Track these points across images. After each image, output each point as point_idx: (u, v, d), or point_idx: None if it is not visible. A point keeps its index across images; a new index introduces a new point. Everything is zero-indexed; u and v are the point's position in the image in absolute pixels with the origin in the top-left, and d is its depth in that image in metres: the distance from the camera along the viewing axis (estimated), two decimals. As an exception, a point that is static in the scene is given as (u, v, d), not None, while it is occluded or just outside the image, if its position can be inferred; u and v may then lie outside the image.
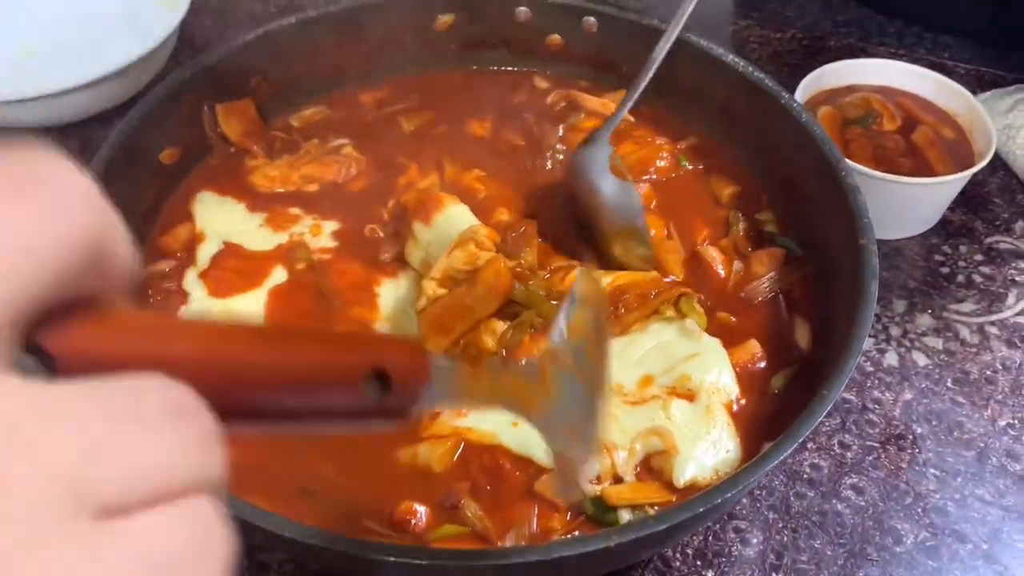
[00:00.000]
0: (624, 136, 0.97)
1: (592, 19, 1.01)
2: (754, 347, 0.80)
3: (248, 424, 0.31)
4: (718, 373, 0.76)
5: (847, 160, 0.84)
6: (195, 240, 0.88)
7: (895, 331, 0.92)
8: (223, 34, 1.13)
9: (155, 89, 0.89)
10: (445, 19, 1.03)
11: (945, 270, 0.98)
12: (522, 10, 1.03)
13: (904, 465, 0.81)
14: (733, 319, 0.82)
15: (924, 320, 0.93)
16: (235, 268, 0.84)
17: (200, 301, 0.82)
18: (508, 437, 0.73)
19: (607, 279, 0.83)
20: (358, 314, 0.82)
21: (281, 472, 0.69)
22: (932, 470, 0.81)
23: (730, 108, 0.96)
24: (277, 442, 0.69)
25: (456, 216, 0.85)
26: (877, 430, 0.84)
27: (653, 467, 0.72)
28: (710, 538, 0.75)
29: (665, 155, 0.96)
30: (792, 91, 0.94)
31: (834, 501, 0.78)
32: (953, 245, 1.01)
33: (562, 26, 1.03)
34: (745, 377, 0.78)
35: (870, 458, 0.82)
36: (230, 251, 0.86)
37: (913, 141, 1.01)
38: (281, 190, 0.93)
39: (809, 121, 0.87)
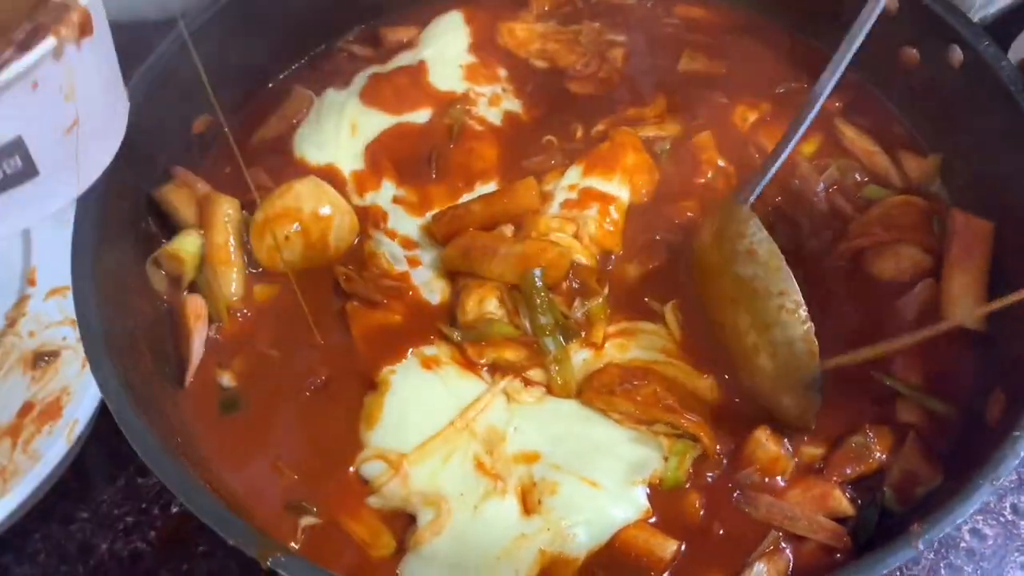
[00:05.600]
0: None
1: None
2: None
3: None
4: (584, 527, 0.60)
5: None
6: (407, 46, 0.87)
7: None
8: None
9: None
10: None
11: None
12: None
13: (1101, 547, 0.60)
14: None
15: None
16: (398, 87, 0.83)
17: (349, 96, 0.82)
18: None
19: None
20: (429, 195, 0.77)
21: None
22: None
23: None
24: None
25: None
26: (1068, 495, 0.64)
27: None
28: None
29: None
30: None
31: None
32: None
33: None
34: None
35: (1053, 531, 0.62)
36: (411, 71, 0.84)
37: None
38: (511, 50, 0.87)
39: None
